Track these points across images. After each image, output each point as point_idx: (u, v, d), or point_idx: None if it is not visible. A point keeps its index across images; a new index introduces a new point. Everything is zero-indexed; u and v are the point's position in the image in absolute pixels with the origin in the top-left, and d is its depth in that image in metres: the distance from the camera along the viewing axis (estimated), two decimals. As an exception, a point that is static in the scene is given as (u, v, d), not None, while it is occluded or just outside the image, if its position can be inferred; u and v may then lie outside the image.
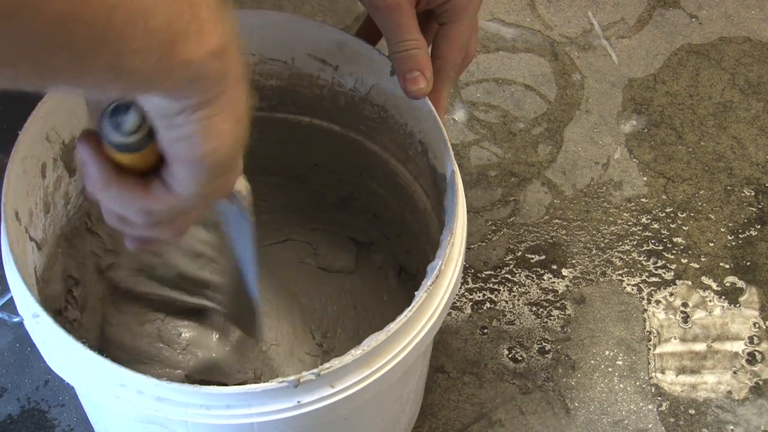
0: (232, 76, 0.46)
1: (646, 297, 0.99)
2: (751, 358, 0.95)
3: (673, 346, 0.96)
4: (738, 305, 0.99)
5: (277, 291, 0.87)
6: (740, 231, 1.04)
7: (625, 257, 1.01)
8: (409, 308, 0.61)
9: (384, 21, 0.68)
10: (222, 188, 0.52)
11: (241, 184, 0.61)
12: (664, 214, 1.05)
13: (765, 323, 0.98)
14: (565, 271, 1.00)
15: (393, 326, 0.60)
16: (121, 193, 0.50)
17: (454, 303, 0.97)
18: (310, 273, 0.93)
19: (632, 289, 0.99)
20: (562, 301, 0.98)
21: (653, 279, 1.00)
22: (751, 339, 0.97)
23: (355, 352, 0.58)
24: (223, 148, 0.48)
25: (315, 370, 0.57)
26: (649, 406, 0.92)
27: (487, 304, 0.98)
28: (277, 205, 0.92)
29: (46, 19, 0.36)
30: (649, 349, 0.95)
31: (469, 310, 0.97)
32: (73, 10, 0.37)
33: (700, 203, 1.06)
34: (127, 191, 0.50)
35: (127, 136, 0.48)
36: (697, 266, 1.01)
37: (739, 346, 0.96)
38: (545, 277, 1.00)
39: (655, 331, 0.97)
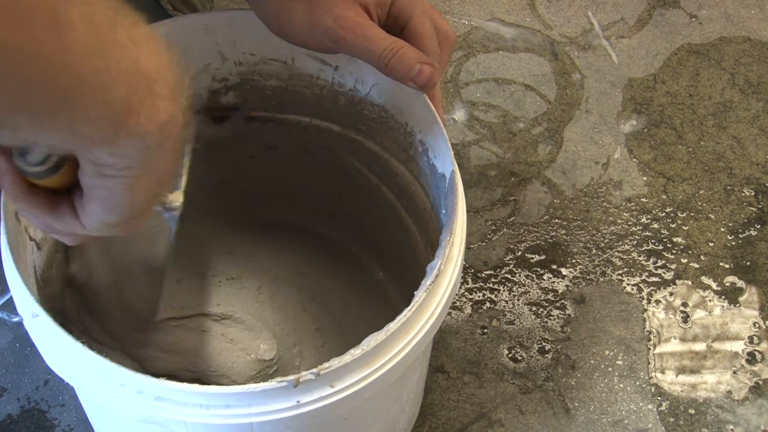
0: (169, 143, 0.49)
1: (646, 297, 0.99)
2: (751, 358, 0.95)
3: (673, 345, 0.96)
4: (738, 305, 0.99)
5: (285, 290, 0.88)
6: (740, 231, 1.04)
7: (625, 257, 1.01)
8: (409, 308, 0.61)
9: (356, 43, 0.66)
10: (127, 227, 0.54)
11: (177, 196, 0.65)
12: (664, 214, 1.05)
13: (765, 323, 0.98)
14: (565, 271, 1.00)
15: (392, 326, 0.60)
16: (28, 207, 0.53)
17: (454, 303, 0.97)
18: (315, 272, 0.93)
19: (632, 289, 0.99)
20: (562, 301, 0.98)
21: (653, 279, 1.00)
22: (750, 339, 0.97)
23: (355, 352, 0.58)
24: (138, 203, 0.51)
25: (314, 370, 0.57)
26: (649, 406, 0.92)
27: (487, 304, 0.98)
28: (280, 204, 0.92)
29: (13, 86, 0.40)
30: (649, 348, 0.95)
31: (469, 310, 0.97)
32: (42, 78, 0.40)
33: (700, 203, 1.06)
34: (32, 207, 0.53)
35: (30, 166, 0.50)
36: (697, 266, 1.01)
37: (738, 346, 0.96)
38: (545, 277, 1.00)
39: (655, 331, 0.97)
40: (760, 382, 0.94)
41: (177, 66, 0.48)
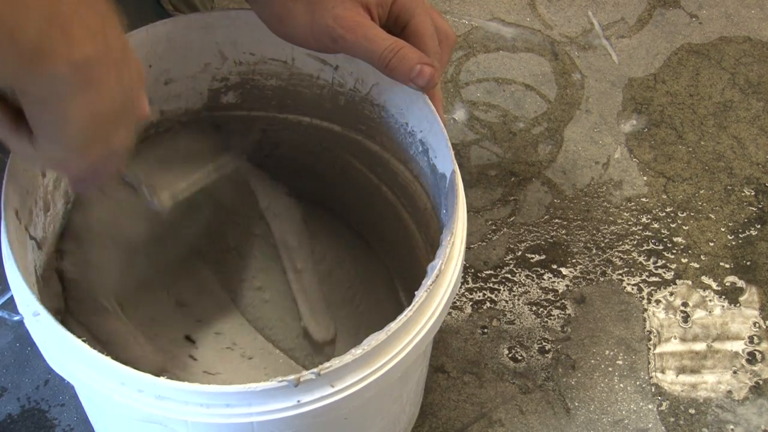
0: (95, 84, 0.50)
1: (646, 297, 0.99)
2: (751, 358, 0.95)
3: (673, 345, 0.96)
4: (738, 305, 0.99)
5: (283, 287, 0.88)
6: (740, 230, 1.04)
7: (625, 257, 1.01)
8: (409, 308, 0.61)
9: (356, 43, 0.66)
10: (78, 166, 0.56)
11: (166, 199, 0.69)
12: (664, 214, 1.05)
13: (765, 323, 0.98)
14: (565, 271, 1.00)
15: (393, 326, 0.60)
16: None
17: (454, 303, 0.97)
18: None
19: (632, 289, 0.99)
20: (562, 301, 0.98)
21: (653, 279, 1.00)
22: (751, 338, 0.97)
23: (355, 352, 0.58)
24: (76, 138, 0.53)
25: (315, 370, 0.57)
26: (649, 406, 0.92)
27: (487, 304, 0.98)
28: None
29: None
30: (649, 348, 0.95)
31: (469, 310, 0.97)
32: None
33: (700, 203, 1.06)
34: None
35: None
36: (697, 266, 1.01)
37: (739, 346, 0.96)
38: (545, 277, 1.00)
39: (655, 331, 0.97)
40: (761, 382, 0.94)
41: (105, 7, 0.50)
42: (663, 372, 0.94)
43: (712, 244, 1.03)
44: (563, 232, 1.03)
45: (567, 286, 0.99)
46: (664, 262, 1.01)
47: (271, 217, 0.87)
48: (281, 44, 0.71)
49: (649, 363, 0.94)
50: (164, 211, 0.72)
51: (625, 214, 1.05)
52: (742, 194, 1.07)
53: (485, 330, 0.96)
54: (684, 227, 1.04)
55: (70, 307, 0.76)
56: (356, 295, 0.89)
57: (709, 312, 0.98)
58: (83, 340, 0.57)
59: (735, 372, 0.94)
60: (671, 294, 0.99)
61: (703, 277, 1.00)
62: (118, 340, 0.77)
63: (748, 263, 1.01)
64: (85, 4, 0.49)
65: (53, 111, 0.51)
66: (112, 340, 0.77)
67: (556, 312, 0.97)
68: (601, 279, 1.00)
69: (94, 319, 0.77)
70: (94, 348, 0.73)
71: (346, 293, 0.89)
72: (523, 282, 0.99)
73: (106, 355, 0.75)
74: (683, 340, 0.96)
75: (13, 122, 0.54)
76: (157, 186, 0.72)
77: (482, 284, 0.99)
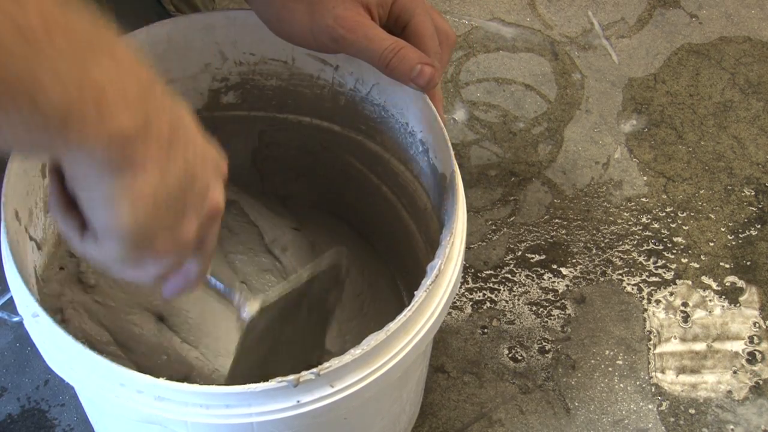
0: (143, 158, 0.45)
1: (646, 297, 0.99)
2: (751, 358, 0.95)
3: (673, 345, 0.96)
4: (738, 305, 0.99)
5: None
6: (740, 230, 1.04)
7: (625, 257, 1.01)
8: (409, 307, 0.61)
9: (356, 42, 0.66)
10: (147, 259, 0.50)
11: (253, 305, 0.65)
12: (664, 214, 1.05)
13: (765, 323, 0.98)
14: (565, 271, 1.00)
15: (392, 326, 0.60)
16: (63, 227, 0.51)
17: (454, 303, 0.97)
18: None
19: (632, 289, 0.99)
20: (562, 301, 0.98)
21: (653, 279, 1.00)
22: (751, 338, 0.97)
23: (355, 352, 0.58)
24: (124, 227, 0.47)
25: (314, 370, 0.57)
26: (649, 406, 0.92)
27: (487, 304, 0.98)
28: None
29: None
30: (650, 348, 0.95)
31: (469, 310, 0.97)
32: None
33: (700, 203, 1.06)
34: (66, 228, 0.50)
35: None
36: (697, 266, 1.01)
37: (739, 346, 0.96)
38: (545, 277, 1.00)
39: (655, 331, 0.97)
40: (761, 382, 0.94)
41: (148, 76, 0.45)
42: (663, 372, 0.94)
43: (712, 244, 1.03)
44: (563, 232, 1.03)
45: (567, 286, 0.99)
46: (664, 262, 1.01)
47: (279, 252, 0.87)
48: (281, 44, 0.71)
49: (649, 363, 0.94)
50: (250, 318, 0.67)
51: (625, 214, 1.05)
52: (742, 194, 1.07)
53: (485, 330, 0.96)
54: (684, 227, 1.04)
55: (92, 309, 0.76)
56: (364, 303, 0.89)
57: (709, 312, 0.98)
58: (82, 342, 0.57)
59: (735, 372, 0.94)
60: (671, 294, 0.99)
61: (703, 277, 1.00)
62: (142, 348, 0.76)
63: (748, 263, 1.01)
64: (123, 70, 0.43)
65: (98, 194, 0.46)
66: (135, 348, 0.76)
67: (556, 312, 0.97)
68: (601, 279, 1.00)
69: (119, 326, 0.76)
70: (114, 351, 0.73)
71: (355, 303, 0.89)
72: (523, 282, 0.99)
73: (127, 358, 0.75)
74: (683, 340, 0.96)
75: (80, 228, 0.49)
76: (247, 289, 0.65)
77: (482, 284, 0.99)
